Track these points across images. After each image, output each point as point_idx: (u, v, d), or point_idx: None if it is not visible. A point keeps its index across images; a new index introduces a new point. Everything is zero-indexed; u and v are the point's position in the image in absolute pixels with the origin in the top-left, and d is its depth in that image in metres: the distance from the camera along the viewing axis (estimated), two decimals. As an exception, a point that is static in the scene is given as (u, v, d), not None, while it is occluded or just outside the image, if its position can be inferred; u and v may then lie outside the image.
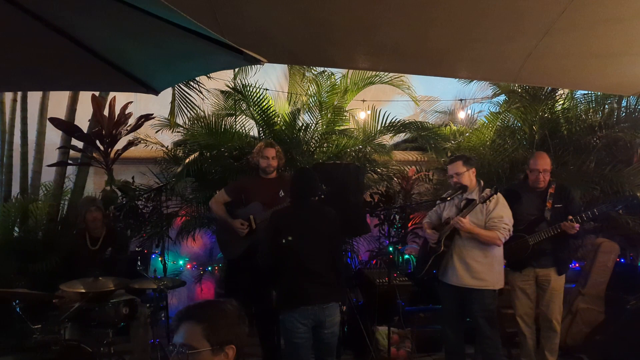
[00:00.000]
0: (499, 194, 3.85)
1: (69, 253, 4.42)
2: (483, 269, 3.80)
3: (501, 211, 3.81)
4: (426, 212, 5.91)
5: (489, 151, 5.95)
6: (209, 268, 5.99)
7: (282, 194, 4.20)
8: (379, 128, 5.83)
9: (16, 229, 5.24)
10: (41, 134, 5.52)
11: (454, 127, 6.61)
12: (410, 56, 4.36)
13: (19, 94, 5.46)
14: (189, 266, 6.06)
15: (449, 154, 6.13)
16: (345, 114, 5.83)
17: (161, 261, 4.77)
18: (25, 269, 4.74)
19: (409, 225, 6.00)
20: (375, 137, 5.80)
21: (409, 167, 6.19)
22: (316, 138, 5.77)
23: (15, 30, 2.31)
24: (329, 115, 5.78)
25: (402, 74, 6.29)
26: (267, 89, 5.89)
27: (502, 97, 6.47)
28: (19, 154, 5.52)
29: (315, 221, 3.44)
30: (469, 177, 3.94)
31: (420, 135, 6.00)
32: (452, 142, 6.22)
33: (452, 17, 3.40)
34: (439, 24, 3.51)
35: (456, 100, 7.46)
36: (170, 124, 5.43)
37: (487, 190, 3.87)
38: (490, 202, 3.79)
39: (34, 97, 5.51)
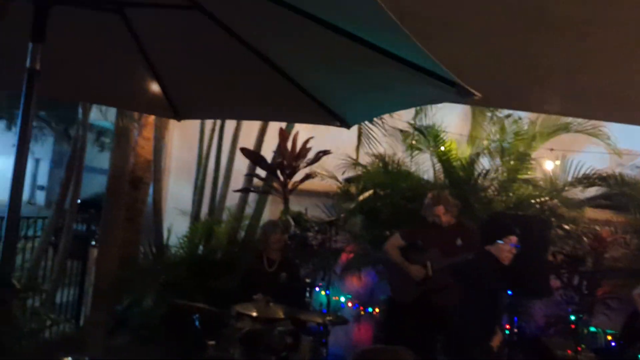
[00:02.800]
0: None
1: (247, 272, 4.61)
2: None
3: None
4: (621, 280, 5.16)
5: None
6: (370, 309, 5.87)
7: (460, 242, 3.97)
8: (569, 179, 5.25)
9: (200, 247, 5.70)
10: (231, 161, 6.00)
11: (663, 186, 5.68)
12: (612, 103, 3.89)
13: (218, 124, 6.03)
14: (349, 304, 6.00)
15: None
16: (531, 161, 5.38)
17: (325, 296, 4.77)
18: (204, 286, 5.08)
19: (599, 293, 5.24)
20: (564, 189, 5.23)
21: (600, 226, 5.45)
22: (495, 185, 5.40)
23: (225, 58, 2.50)
24: (511, 162, 5.38)
25: (600, 123, 5.64)
26: (444, 131, 5.71)
27: None
28: (211, 178, 6.05)
29: None
30: None
31: (620, 191, 5.26)
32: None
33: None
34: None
35: (664, 156, 6.45)
36: (354, 161, 5.51)
37: None
38: None
39: (229, 128, 6.04)
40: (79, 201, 5.58)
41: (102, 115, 5.80)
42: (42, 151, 25.56)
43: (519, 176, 5.35)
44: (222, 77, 2.75)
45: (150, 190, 6.01)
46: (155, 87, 2.92)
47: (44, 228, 5.15)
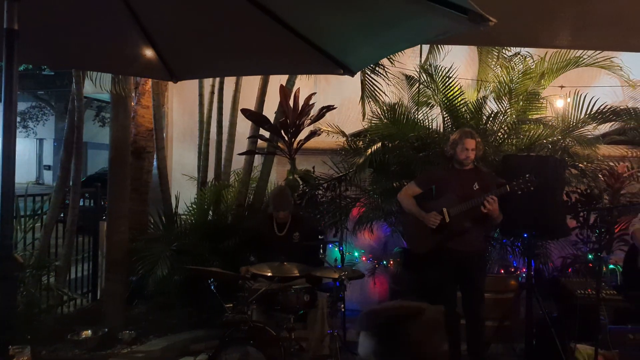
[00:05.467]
0: None
1: (257, 237, 4.59)
2: None
3: None
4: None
5: None
6: (384, 262, 5.85)
7: (477, 187, 3.87)
8: (581, 116, 5.09)
9: (210, 212, 5.65)
10: (233, 124, 5.87)
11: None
12: (629, 30, 3.72)
13: (216, 86, 5.87)
14: (363, 258, 5.99)
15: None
16: (541, 100, 5.21)
17: (339, 251, 4.73)
18: (218, 250, 5.06)
19: (616, 230, 5.16)
20: (576, 127, 5.08)
21: (616, 163, 5.33)
22: (505, 128, 5.26)
23: (218, 11, 2.35)
24: (520, 103, 5.23)
25: (612, 54, 5.44)
26: (450, 77, 5.52)
27: None
28: (214, 142, 5.94)
29: None
30: None
31: (634, 126, 5.11)
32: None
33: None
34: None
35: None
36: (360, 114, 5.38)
37: None
38: None
39: (228, 90, 5.88)
40: (84, 177, 5.53)
41: (98, 88, 5.66)
42: (44, 131, 25.55)
43: (529, 117, 5.20)
44: (216, 32, 2.61)
45: (155, 160, 5.93)
46: (146, 48, 2.79)
47: (50, 205, 5.10)
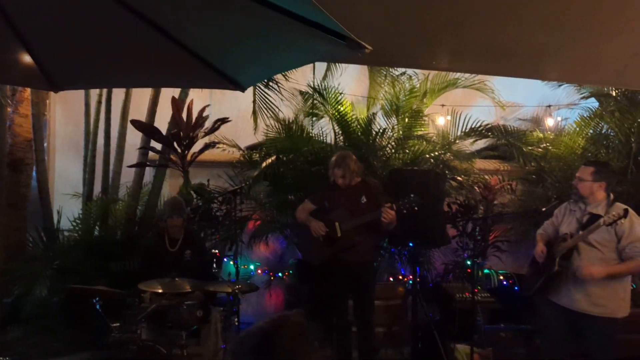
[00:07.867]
0: (631, 211, 3.31)
1: (148, 253, 4.46)
2: (604, 294, 3.33)
3: None
4: (509, 224, 5.61)
5: (579, 160, 5.52)
6: (280, 274, 5.91)
7: (365, 199, 4.05)
8: (459, 133, 5.54)
9: (97, 228, 5.37)
10: (122, 135, 5.64)
11: (540, 134, 6.18)
12: (498, 57, 4.10)
13: (104, 95, 5.62)
14: (259, 271, 6.00)
15: (533, 163, 5.79)
16: (424, 118, 5.59)
17: (234, 265, 4.71)
18: (105, 268, 4.82)
19: (490, 237, 5.65)
20: (455, 143, 5.52)
21: (489, 176, 5.85)
22: (392, 143, 5.57)
23: (104, 22, 2.29)
24: (406, 120, 5.57)
25: (486, 78, 5.99)
26: (342, 93, 5.75)
27: (595, 103, 6.02)
28: (102, 154, 5.66)
29: None
30: (589, 188, 3.46)
31: (507, 141, 5.65)
32: (540, 149, 5.80)
33: (550, 14, 3.14)
34: (535, 22, 3.26)
35: (541, 107, 7.02)
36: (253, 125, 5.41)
37: (615, 212, 3.28)
38: (622, 223, 3.26)
39: (117, 99, 5.65)
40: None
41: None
42: None
43: (414, 133, 5.54)
44: (101, 42, 2.52)
45: (34, 172, 5.53)
46: (22, 55, 2.62)
47: None
